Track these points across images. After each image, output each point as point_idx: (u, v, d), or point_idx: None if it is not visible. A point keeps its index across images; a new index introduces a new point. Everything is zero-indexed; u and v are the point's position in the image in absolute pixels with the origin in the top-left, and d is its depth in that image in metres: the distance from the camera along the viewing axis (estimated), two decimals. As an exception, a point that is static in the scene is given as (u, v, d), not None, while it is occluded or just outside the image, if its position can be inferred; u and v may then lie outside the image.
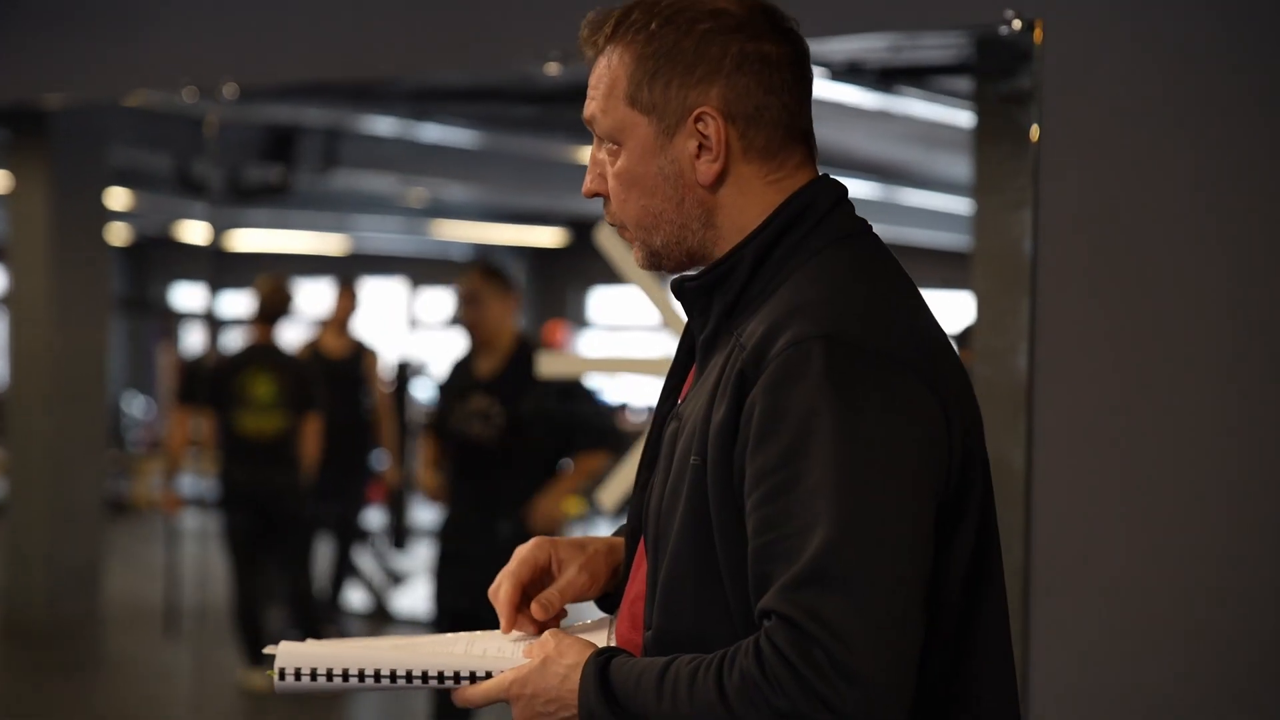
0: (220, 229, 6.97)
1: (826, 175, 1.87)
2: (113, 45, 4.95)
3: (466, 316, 5.55)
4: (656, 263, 1.90)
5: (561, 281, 15.74)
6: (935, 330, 1.80)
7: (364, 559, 8.80)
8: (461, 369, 5.60)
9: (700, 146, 1.82)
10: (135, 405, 14.51)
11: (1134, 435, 3.45)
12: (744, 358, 1.73)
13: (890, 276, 1.82)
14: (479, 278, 5.54)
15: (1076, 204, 3.46)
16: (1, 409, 8.47)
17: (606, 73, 1.86)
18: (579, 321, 15.79)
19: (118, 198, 9.77)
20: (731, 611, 1.74)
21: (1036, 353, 3.47)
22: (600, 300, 15.83)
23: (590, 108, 1.88)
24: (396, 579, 9.04)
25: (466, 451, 5.41)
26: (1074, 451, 3.49)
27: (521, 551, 1.96)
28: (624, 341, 15.71)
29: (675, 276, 1.90)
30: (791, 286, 1.77)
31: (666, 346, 14.39)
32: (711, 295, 1.85)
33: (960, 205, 7.31)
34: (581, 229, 14.59)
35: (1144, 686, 3.45)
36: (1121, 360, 3.46)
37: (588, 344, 15.81)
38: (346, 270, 15.78)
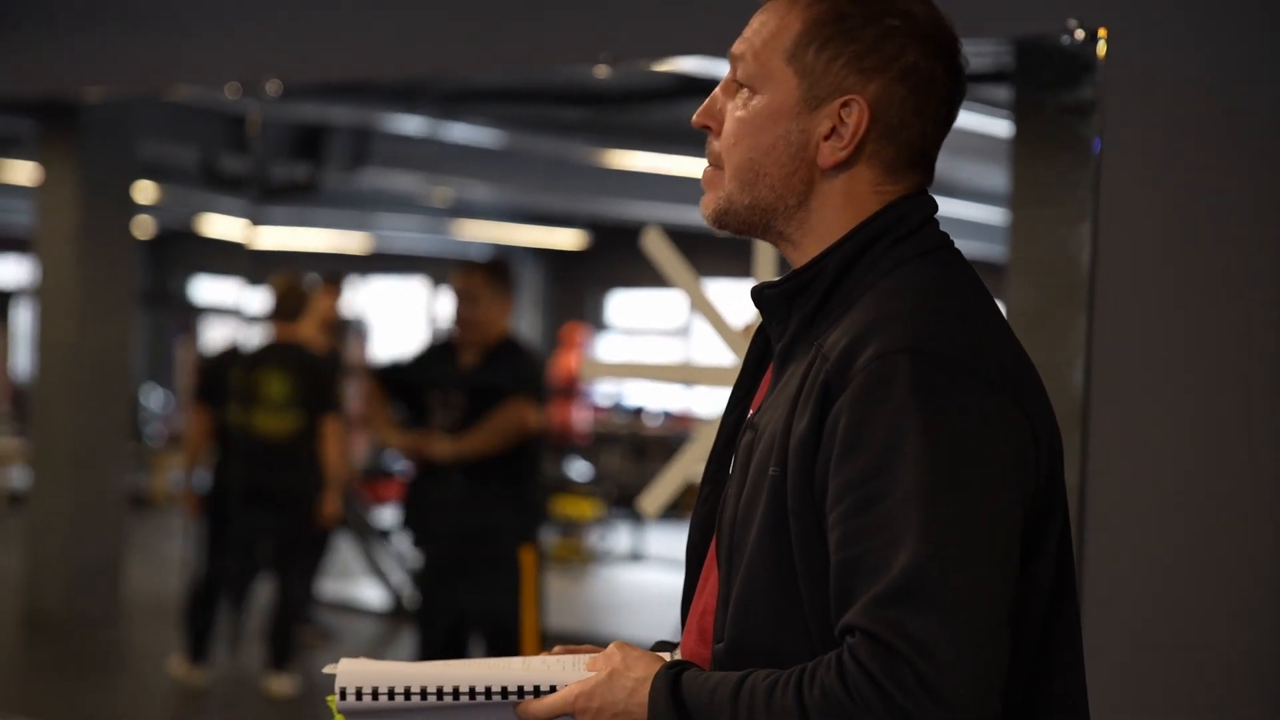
0: (254, 224, 6.96)
1: (924, 191, 1.84)
2: (154, 40, 4.93)
3: (461, 312, 5.51)
4: (725, 217, 1.85)
5: (581, 284, 15.71)
6: (1018, 347, 1.78)
7: (383, 557, 8.78)
8: (440, 358, 5.58)
9: (833, 130, 1.78)
10: (154, 399, 14.50)
11: (1191, 452, 3.42)
12: (828, 369, 1.69)
13: (973, 292, 1.79)
14: (479, 276, 5.49)
15: (1137, 217, 3.43)
16: (26, 400, 8.46)
17: (775, 20, 1.81)
18: (598, 324, 15.76)
19: (144, 190, 9.75)
20: (809, 625, 1.70)
21: (1093, 368, 3.43)
22: (619, 303, 15.80)
23: (742, 46, 1.83)
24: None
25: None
26: (1129, 468, 3.46)
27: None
28: (643, 345, 15.68)
29: (757, 284, 1.86)
30: (875, 298, 1.74)
31: (684, 351, 14.39)
32: (791, 303, 1.81)
33: (989, 214, 7.32)
34: (602, 232, 14.58)
35: (1194, 699, 3.43)
36: (1179, 376, 3.43)
37: (606, 347, 15.79)
38: (365, 267, 15.80)
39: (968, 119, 6.07)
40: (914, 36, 1.77)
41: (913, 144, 1.80)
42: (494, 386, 5.38)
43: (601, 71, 4.09)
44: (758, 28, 1.83)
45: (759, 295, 1.86)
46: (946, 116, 1.82)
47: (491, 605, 5.25)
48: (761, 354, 1.93)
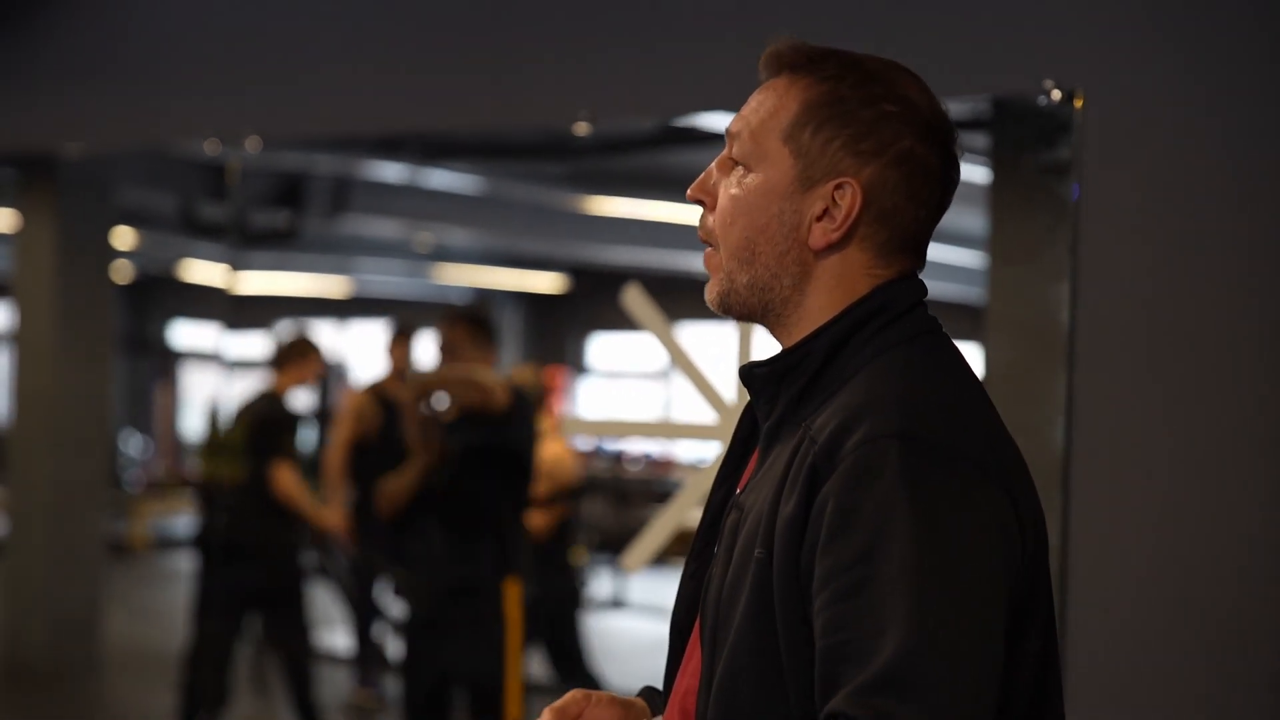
0: (234, 270, 6.95)
1: (913, 275, 1.84)
2: (133, 97, 4.95)
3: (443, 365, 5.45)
4: (728, 303, 1.85)
5: (561, 327, 15.73)
6: (1003, 431, 1.78)
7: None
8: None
9: (825, 212, 1.78)
10: (133, 445, 14.45)
11: (1174, 511, 3.42)
12: (815, 452, 1.69)
13: (960, 376, 1.80)
14: (461, 328, 5.41)
15: (1116, 274, 3.44)
16: (2, 447, 8.42)
17: (774, 99, 1.82)
18: (578, 367, 15.77)
19: (122, 236, 9.75)
20: (793, 709, 1.70)
21: (1074, 426, 3.44)
22: (600, 347, 15.81)
23: (738, 124, 1.84)
24: None
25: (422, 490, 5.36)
26: (1111, 527, 3.46)
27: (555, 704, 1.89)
28: (623, 389, 15.68)
29: (744, 363, 1.87)
30: (863, 381, 1.74)
31: (665, 394, 14.38)
32: (780, 383, 1.82)
33: (966, 258, 7.35)
34: (582, 275, 14.61)
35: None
36: (1160, 433, 3.44)
37: (586, 390, 15.78)
38: (345, 312, 15.79)
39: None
40: (911, 123, 1.78)
41: (905, 228, 1.80)
42: (505, 437, 5.34)
43: (581, 129, 4.10)
44: (755, 106, 1.83)
45: (747, 374, 1.86)
46: (940, 202, 1.82)
47: (474, 656, 5.23)
48: (749, 432, 1.92)
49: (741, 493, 1.84)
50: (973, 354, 3.86)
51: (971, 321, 4.17)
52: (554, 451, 6.46)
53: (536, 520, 6.46)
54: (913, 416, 1.68)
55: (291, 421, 6.92)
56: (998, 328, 3.82)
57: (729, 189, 1.84)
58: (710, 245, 1.87)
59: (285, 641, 6.80)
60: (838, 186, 1.78)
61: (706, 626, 1.81)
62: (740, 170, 1.84)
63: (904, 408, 1.68)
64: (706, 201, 1.87)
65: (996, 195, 3.92)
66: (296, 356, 6.73)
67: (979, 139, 4.29)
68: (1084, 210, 3.45)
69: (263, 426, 6.68)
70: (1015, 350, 3.78)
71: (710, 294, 1.88)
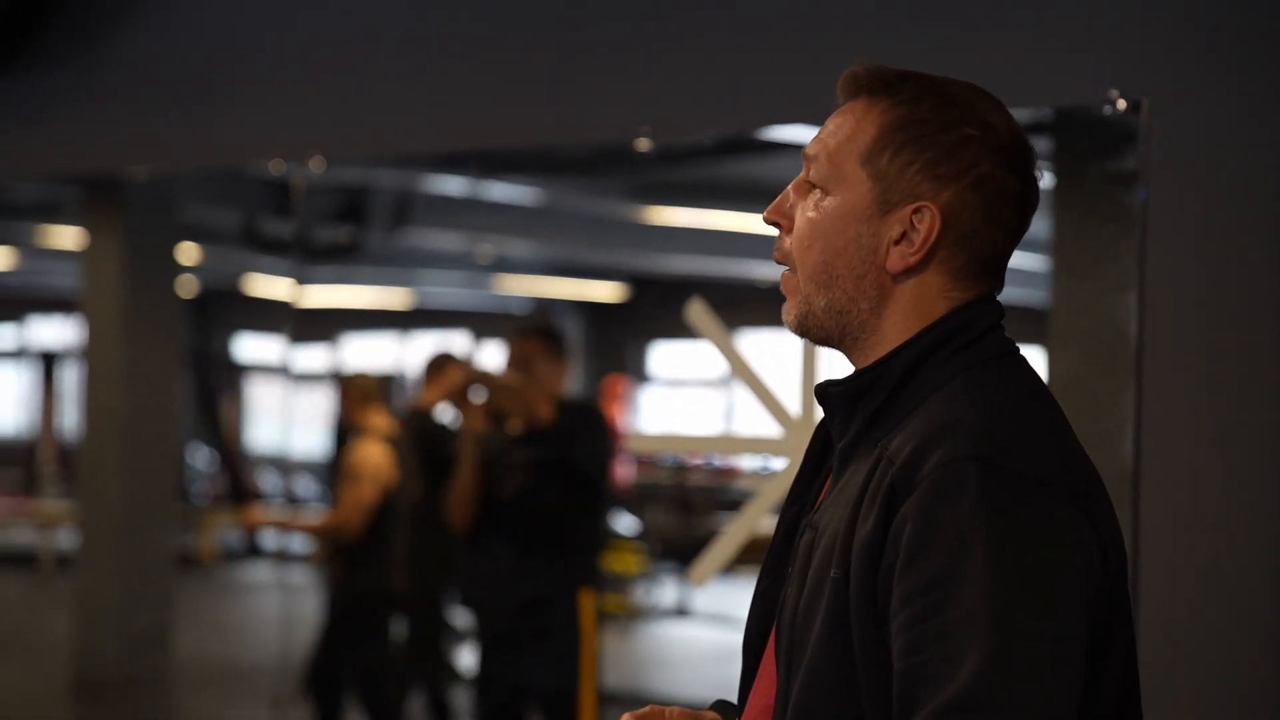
0: (299, 284, 7.00)
1: (991, 298, 1.84)
2: (197, 119, 4.99)
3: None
4: (806, 325, 1.85)
5: (622, 336, 15.75)
6: (1081, 454, 1.77)
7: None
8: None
9: (903, 235, 1.78)
10: (200, 458, 14.56)
11: (1244, 521, 3.40)
12: (893, 473, 1.69)
13: (1039, 399, 1.79)
14: (535, 342, 5.34)
15: (1183, 285, 3.42)
16: (73, 461, 8.51)
17: (852, 122, 1.82)
18: (639, 376, 15.78)
19: (186, 252, 9.85)
20: None
21: (1143, 437, 3.42)
22: (661, 355, 15.82)
23: (816, 146, 1.84)
24: None
25: (489, 503, 5.32)
26: (1183, 538, 3.44)
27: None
28: (685, 397, 15.68)
29: (820, 382, 1.87)
30: (940, 403, 1.74)
31: (727, 401, 14.37)
32: (856, 403, 1.81)
33: (1030, 262, 7.33)
34: (642, 284, 14.63)
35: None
36: (1230, 444, 3.41)
37: (648, 399, 15.78)
38: (407, 324, 15.86)
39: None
40: (989, 146, 1.77)
41: (983, 252, 1.80)
42: (562, 444, 5.30)
43: (643, 144, 4.11)
44: (834, 129, 1.83)
45: (823, 392, 1.86)
46: (1019, 226, 1.82)
47: (548, 670, 5.22)
48: (822, 450, 1.92)
49: (816, 512, 1.85)
50: (1036, 359, 3.84)
51: (1035, 325, 4.16)
52: (372, 454, 6.41)
53: (354, 521, 6.36)
54: (991, 439, 1.67)
55: (449, 436, 6.89)
56: (1064, 338, 3.80)
57: (806, 212, 1.84)
58: (788, 268, 1.88)
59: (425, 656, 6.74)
60: (916, 210, 1.78)
61: (781, 646, 1.81)
62: (817, 193, 1.84)
63: (982, 430, 1.68)
64: (783, 224, 1.87)
65: (1061, 205, 3.91)
66: (436, 372, 6.70)
67: (1043, 144, 4.28)
68: (1150, 220, 3.43)
69: (427, 443, 6.62)
70: (1082, 361, 3.76)
71: (788, 317, 1.88)
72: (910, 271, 1.80)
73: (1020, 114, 3.71)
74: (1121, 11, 3.50)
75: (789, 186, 1.87)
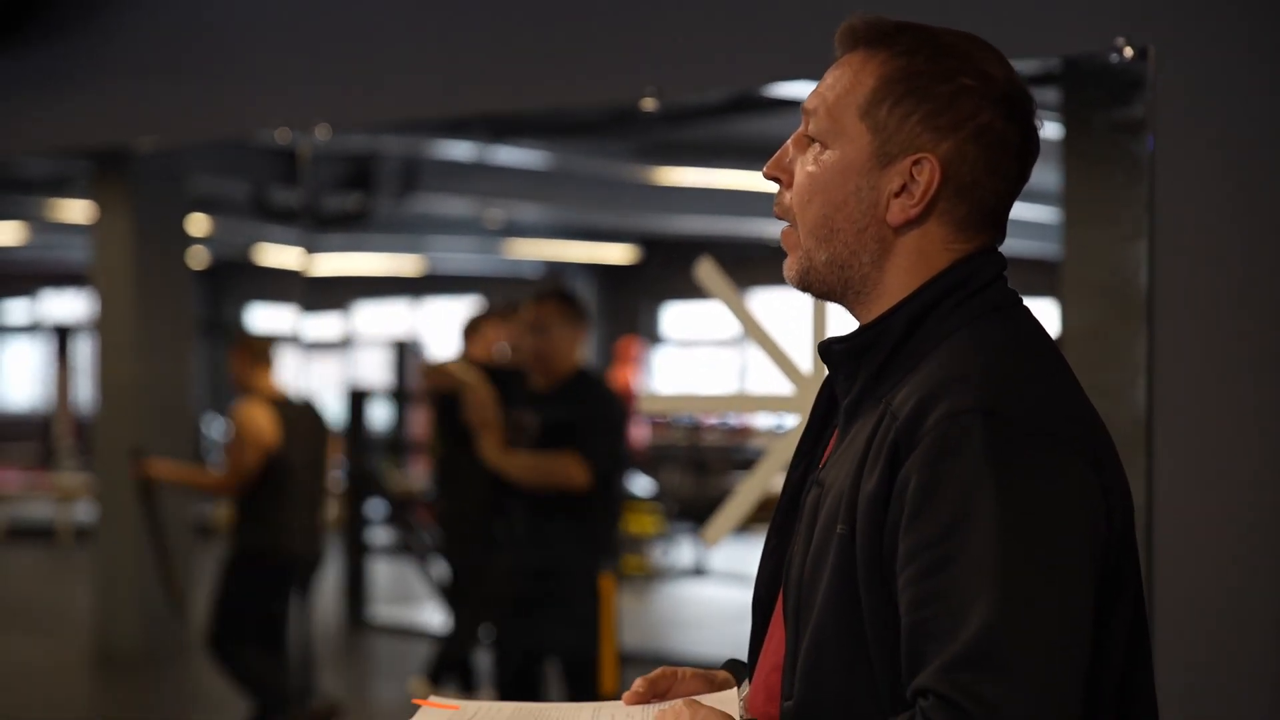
0: (308, 253, 6.99)
1: (993, 249, 1.83)
2: (203, 90, 4.98)
3: (534, 344, 5.34)
4: (808, 280, 1.84)
5: (634, 298, 15.74)
6: (1086, 404, 1.76)
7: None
8: (506, 381, 5.52)
9: (904, 188, 1.77)
10: (215, 428, 14.59)
11: (1258, 468, 3.39)
12: (897, 427, 1.68)
13: (1043, 350, 1.78)
14: (551, 306, 5.34)
15: (1192, 232, 3.41)
16: (89, 434, 8.52)
17: (849, 75, 1.81)
18: (652, 337, 15.78)
19: (197, 223, 9.86)
20: (879, 685, 1.70)
21: (1154, 386, 3.41)
22: (674, 316, 15.81)
23: (814, 100, 1.83)
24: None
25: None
26: (1196, 487, 3.43)
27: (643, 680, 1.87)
28: (698, 357, 15.68)
29: (823, 340, 1.86)
30: (944, 356, 1.73)
31: (740, 361, 14.36)
32: (859, 359, 1.81)
33: (1039, 213, 7.31)
34: (654, 246, 14.61)
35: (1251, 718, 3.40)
36: (1242, 391, 3.40)
37: (661, 360, 15.78)
38: (419, 290, 15.84)
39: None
40: (988, 96, 1.76)
41: (984, 202, 1.79)
42: (570, 416, 5.30)
43: (648, 104, 4.09)
44: (831, 83, 1.82)
45: (825, 350, 1.85)
46: (1019, 175, 1.81)
47: (566, 635, 5.23)
48: (827, 408, 1.91)
49: (822, 469, 1.84)
50: (1049, 312, 3.84)
51: (1047, 277, 4.14)
52: (253, 416, 6.41)
53: (233, 482, 6.40)
54: (995, 391, 1.67)
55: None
56: (1074, 289, 3.79)
57: (805, 166, 1.83)
58: (788, 222, 1.87)
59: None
60: (915, 162, 1.77)
61: (789, 605, 1.81)
62: (817, 147, 1.82)
63: (986, 382, 1.67)
64: (783, 179, 1.86)
65: (1070, 155, 3.89)
66: (472, 333, 6.68)
67: (1050, 95, 4.25)
68: (1159, 168, 3.41)
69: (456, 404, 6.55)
70: (1093, 311, 3.75)
71: (789, 271, 1.87)
72: (911, 224, 1.79)
73: (1027, 64, 3.70)
74: (1127, -41, 3.47)
75: (788, 141, 1.86)
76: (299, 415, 6.49)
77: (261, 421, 6.35)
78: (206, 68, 4.98)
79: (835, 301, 1.86)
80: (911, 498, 1.64)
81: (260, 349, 6.57)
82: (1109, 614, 1.70)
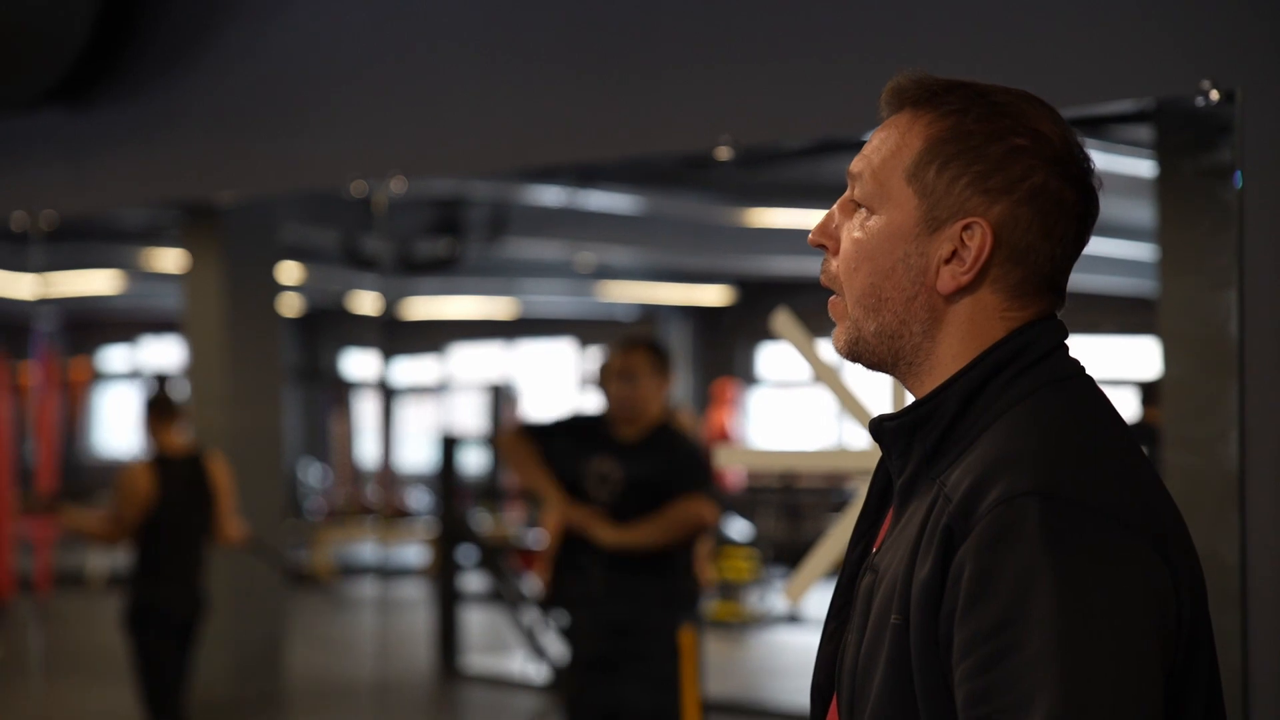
0: (392, 300, 7.00)
1: (1053, 316, 1.73)
2: (280, 145, 5.00)
3: (619, 391, 5.33)
4: (857, 351, 1.76)
5: (729, 339, 15.67)
6: (1155, 481, 1.65)
7: (539, 630, 8.74)
8: (589, 429, 5.46)
9: (954, 254, 1.68)
10: (312, 474, 14.66)
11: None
12: (950, 511, 1.59)
13: (1106, 423, 1.67)
14: (640, 354, 5.34)
15: (1284, 282, 3.27)
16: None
17: (896, 136, 1.72)
18: (748, 379, 15.69)
19: (288, 271, 9.92)
20: None
21: (1247, 440, 3.28)
22: (769, 356, 15.72)
23: (860, 164, 1.74)
24: None
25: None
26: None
27: None
28: (795, 398, 15.56)
29: (875, 416, 1.77)
30: (1000, 433, 1.63)
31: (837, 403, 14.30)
32: (912, 437, 1.71)
33: (1135, 250, 7.18)
34: (748, 287, 14.56)
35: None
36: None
37: (758, 401, 15.68)
38: (513, 333, 15.87)
39: (1111, 160, 5.95)
40: (1042, 156, 1.67)
41: (1040, 268, 1.69)
42: (656, 469, 5.26)
43: (723, 154, 4.03)
44: (877, 145, 1.73)
45: (877, 428, 1.76)
46: (1078, 238, 1.71)
47: (645, 696, 5.15)
48: (884, 486, 1.82)
49: (876, 553, 1.75)
50: (1149, 353, 3.71)
51: (1149, 317, 4.03)
52: (132, 472, 6.57)
53: (112, 533, 6.61)
54: (1052, 471, 1.57)
55: None
56: (1169, 337, 3.68)
57: (852, 233, 1.74)
58: (835, 292, 1.79)
59: None
60: (966, 227, 1.67)
61: (844, 696, 1.73)
62: (863, 213, 1.74)
63: (1043, 462, 1.58)
64: (829, 246, 1.78)
65: (1163, 198, 3.78)
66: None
67: (1144, 133, 4.14)
68: (1248, 214, 3.28)
69: None
70: (1186, 361, 3.63)
71: (837, 342, 1.79)
72: (963, 291, 1.69)
73: (1118, 106, 3.59)
74: (1211, 0, 3.36)
75: (834, 206, 1.78)
76: (184, 472, 6.64)
77: (138, 478, 6.53)
78: (279, 122, 4.99)
79: (887, 373, 1.77)
80: (966, 587, 1.55)
81: (163, 407, 6.74)
82: (1181, 699, 1.60)
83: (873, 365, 1.77)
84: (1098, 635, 1.50)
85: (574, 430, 5.49)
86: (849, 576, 1.81)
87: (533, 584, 9.27)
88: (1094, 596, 1.51)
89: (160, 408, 6.71)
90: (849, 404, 3.78)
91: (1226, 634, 3.23)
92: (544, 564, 5.67)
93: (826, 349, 4.03)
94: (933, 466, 1.69)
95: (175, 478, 6.57)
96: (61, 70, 5.22)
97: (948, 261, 1.69)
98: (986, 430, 1.65)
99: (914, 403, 1.73)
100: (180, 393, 7.29)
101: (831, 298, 1.79)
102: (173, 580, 6.61)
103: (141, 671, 6.57)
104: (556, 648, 8.39)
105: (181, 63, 5.21)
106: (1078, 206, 1.69)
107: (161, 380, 8.95)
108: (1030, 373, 1.68)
